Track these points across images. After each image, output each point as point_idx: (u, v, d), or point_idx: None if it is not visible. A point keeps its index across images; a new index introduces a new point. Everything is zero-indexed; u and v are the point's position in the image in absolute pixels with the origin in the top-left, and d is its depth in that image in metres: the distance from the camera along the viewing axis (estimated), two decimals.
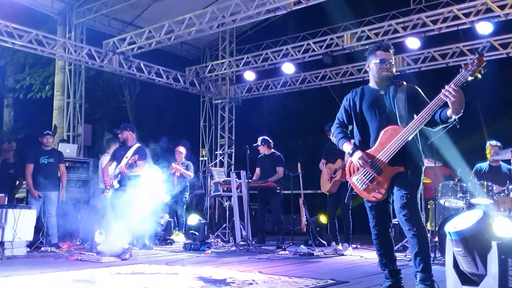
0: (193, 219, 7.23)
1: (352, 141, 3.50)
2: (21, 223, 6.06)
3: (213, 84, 12.27)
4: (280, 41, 11.07)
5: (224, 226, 8.35)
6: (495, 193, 5.62)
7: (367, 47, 8.90)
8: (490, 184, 5.69)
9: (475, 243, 3.02)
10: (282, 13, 8.75)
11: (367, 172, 3.32)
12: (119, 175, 6.19)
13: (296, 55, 10.10)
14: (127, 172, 6.10)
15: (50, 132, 7.33)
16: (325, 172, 6.58)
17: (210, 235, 7.72)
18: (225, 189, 7.95)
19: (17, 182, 7.60)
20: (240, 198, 7.45)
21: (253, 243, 7.05)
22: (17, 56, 13.32)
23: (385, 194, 3.31)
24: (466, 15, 8.10)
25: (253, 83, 11.97)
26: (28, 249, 6.29)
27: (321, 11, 10.56)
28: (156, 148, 7.90)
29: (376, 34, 8.96)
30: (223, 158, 12.29)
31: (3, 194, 6.51)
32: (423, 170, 3.39)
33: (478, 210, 3.29)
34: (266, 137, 8.05)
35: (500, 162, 6.37)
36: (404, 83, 3.44)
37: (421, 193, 3.45)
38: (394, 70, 3.45)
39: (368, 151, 3.35)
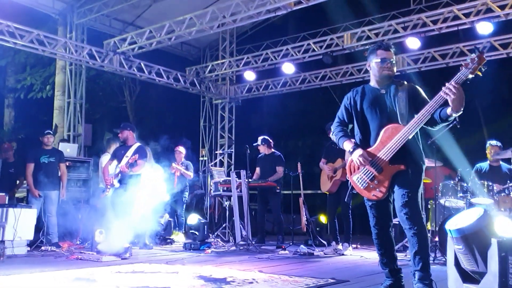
0: (193, 219, 7.23)
1: (353, 139, 3.50)
2: (22, 222, 6.07)
3: (213, 84, 12.28)
4: (280, 41, 11.08)
5: (224, 226, 8.36)
6: (496, 192, 5.63)
7: (367, 47, 8.96)
8: (490, 184, 5.70)
9: (475, 241, 3.03)
10: (283, 13, 8.76)
11: (368, 171, 3.32)
12: (120, 174, 6.20)
13: (296, 55, 10.11)
14: (128, 171, 6.10)
15: (50, 132, 7.34)
16: (326, 170, 6.58)
17: (210, 235, 7.72)
18: (225, 188, 7.95)
19: (17, 182, 7.61)
20: (240, 198, 7.45)
21: (253, 243, 7.05)
22: (18, 56, 13.34)
23: (386, 193, 3.31)
24: (466, 15, 8.11)
25: (253, 83, 11.98)
26: (29, 248, 6.29)
27: (321, 11, 10.57)
28: (156, 147, 7.90)
29: (376, 34, 8.96)
30: (223, 158, 12.30)
31: (3, 193, 6.52)
32: (424, 169, 3.39)
33: (479, 208, 3.29)
34: (266, 137, 8.06)
35: (500, 162, 6.38)
36: (405, 82, 3.44)
37: (421, 193, 3.45)
38: (395, 69, 3.45)
39: (368, 149, 3.35)
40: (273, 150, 8.01)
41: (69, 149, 8.45)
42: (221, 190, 8.04)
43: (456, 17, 8.18)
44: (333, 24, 10.63)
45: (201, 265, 5.10)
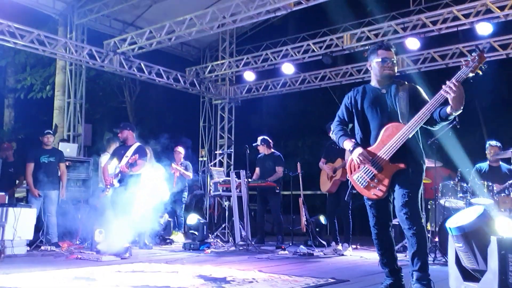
0: (193, 219, 7.23)
1: (353, 139, 3.51)
2: (21, 222, 6.07)
3: (213, 85, 12.28)
4: (280, 42, 11.10)
5: (223, 226, 8.35)
6: (496, 193, 5.64)
7: (367, 47, 8.98)
8: (490, 184, 5.71)
9: (475, 239, 3.04)
10: (283, 13, 8.76)
11: (368, 170, 3.32)
12: (119, 174, 6.20)
13: (296, 55, 10.11)
14: (128, 171, 6.11)
15: (50, 131, 7.34)
16: (326, 169, 6.58)
17: (210, 235, 7.72)
18: (225, 188, 7.95)
19: (17, 182, 7.61)
20: (239, 198, 7.45)
21: (253, 243, 7.05)
22: (18, 57, 13.34)
23: (386, 192, 3.30)
24: (466, 16, 8.12)
25: (252, 83, 11.98)
26: (28, 248, 6.29)
27: (321, 12, 10.59)
28: (156, 147, 7.90)
29: (376, 35, 8.97)
30: (222, 158, 12.30)
31: (3, 193, 6.52)
32: (424, 168, 3.39)
33: (479, 206, 3.30)
34: (265, 137, 8.06)
35: (500, 162, 6.39)
36: (406, 82, 3.45)
37: (421, 193, 3.45)
38: (396, 69, 3.46)
39: (369, 148, 3.35)
40: (272, 150, 8.01)
41: (69, 149, 8.46)
42: (220, 190, 8.03)
43: (455, 18, 8.19)
44: (333, 24, 10.65)
45: (201, 264, 5.10)
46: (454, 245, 3.24)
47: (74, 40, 10.00)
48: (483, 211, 3.15)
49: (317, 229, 7.79)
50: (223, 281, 3.90)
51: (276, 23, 12.29)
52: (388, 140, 3.26)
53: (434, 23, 8.41)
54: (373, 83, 3.52)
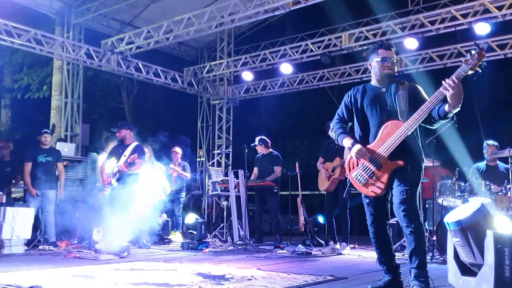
0: (191, 218, 7.22)
1: (352, 137, 3.51)
2: (19, 221, 6.05)
3: (211, 85, 12.28)
4: (278, 42, 11.09)
5: (221, 225, 8.34)
6: (493, 192, 5.66)
7: (365, 47, 9.00)
8: (488, 183, 5.73)
9: (472, 233, 3.06)
10: (281, 13, 8.77)
11: (367, 167, 3.33)
12: (118, 173, 6.19)
13: (294, 55, 10.11)
14: (126, 170, 6.09)
15: (48, 131, 7.33)
16: (322, 172, 6.59)
17: (208, 235, 7.71)
18: (223, 188, 7.95)
19: (13, 181, 7.58)
20: (238, 198, 7.44)
21: (251, 242, 7.04)
22: (15, 56, 13.29)
23: (384, 190, 3.30)
24: (464, 15, 8.14)
25: (251, 83, 11.98)
26: (26, 247, 6.27)
27: (319, 12, 10.60)
28: (155, 147, 7.90)
29: (374, 35, 8.99)
30: (220, 158, 12.29)
31: (1, 193, 6.50)
32: (423, 166, 3.39)
33: (476, 201, 3.32)
34: (263, 137, 8.06)
35: (497, 162, 6.42)
36: (406, 81, 3.46)
37: (419, 192, 3.46)
38: (395, 68, 3.47)
39: (368, 146, 3.36)
40: (270, 150, 8.01)
41: (67, 149, 8.43)
42: (219, 190, 8.03)
43: (453, 18, 8.22)
44: (331, 24, 10.65)
45: (199, 263, 5.09)
46: (452, 240, 3.25)
47: (72, 40, 9.98)
48: (480, 206, 3.17)
49: (315, 229, 7.80)
50: (222, 279, 3.90)
51: (274, 23, 12.30)
52: (387, 138, 3.27)
53: (432, 23, 8.43)
54: (373, 82, 3.53)
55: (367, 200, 3.44)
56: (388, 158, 3.26)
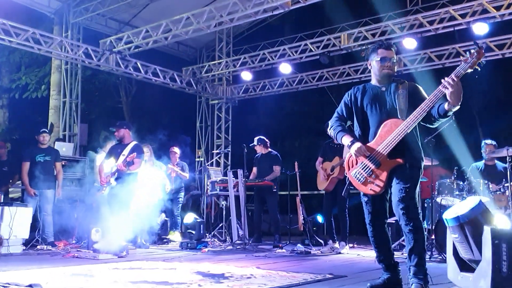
0: (190, 218, 7.21)
1: (351, 135, 3.51)
2: (17, 221, 6.03)
3: (209, 85, 12.27)
4: (277, 42, 11.09)
5: (220, 225, 8.33)
6: (491, 191, 5.68)
7: (364, 47, 9.00)
8: (486, 182, 5.75)
9: (470, 229, 3.07)
10: (280, 12, 8.76)
11: (366, 165, 3.33)
12: (116, 173, 6.18)
13: (293, 55, 10.11)
14: (125, 169, 6.08)
15: (46, 130, 7.31)
16: (321, 173, 6.59)
17: (207, 235, 7.70)
18: (222, 188, 7.94)
19: (11, 181, 7.56)
20: (237, 198, 7.43)
21: (250, 242, 7.04)
22: (13, 56, 13.27)
23: (383, 188, 3.30)
24: (463, 15, 8.16)
25: (249, 83, 11.98)
26: (24, 247, 6.25)
27: (318, 12, 10.61)
28: (154, 147, 7.89)
29: (373, 35, 9.00)
30: (219, 158, 12.28)
31: None
32: (422, 165, 3.40)
33: (475, 198, 3.33)
34: (262, 137, 8.05)
35: (496, 161, 6.43)
36: (406, 81, 3.46)
37: (418, 191, 3.46)
38: (395, 68, 3.47)
39: (367, 144, 3.36)
40: (269, 149, 8.01)
41: (65, 148, 8.43)
42: (218, 189, 8.03)
43: (452, 18, 8.23)
44: (330, 24, 10.65)
45: (198, 262, 5.09)
46: (451, 237, 3.27)
47: (70, 39, 9.96)
48: (478, 202, 3.18)
49: (314, 228, 7.80)
50: (221, 277, 3.90)
51: (273, 23, 12.30)
52: (387, 136, 3.27)
53: (431, 23, 8.44)
54: (373, 81, 3.54)
55: (366, 199, 3.45)
56: (388, 156, 3.26)
